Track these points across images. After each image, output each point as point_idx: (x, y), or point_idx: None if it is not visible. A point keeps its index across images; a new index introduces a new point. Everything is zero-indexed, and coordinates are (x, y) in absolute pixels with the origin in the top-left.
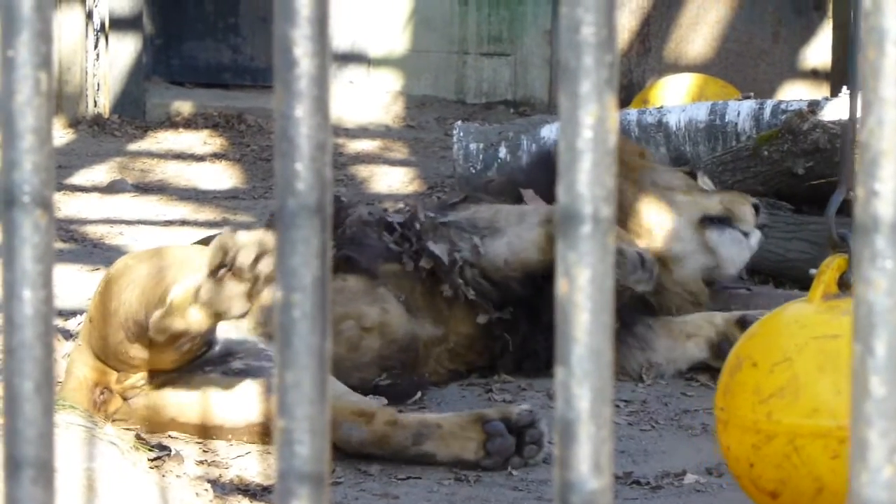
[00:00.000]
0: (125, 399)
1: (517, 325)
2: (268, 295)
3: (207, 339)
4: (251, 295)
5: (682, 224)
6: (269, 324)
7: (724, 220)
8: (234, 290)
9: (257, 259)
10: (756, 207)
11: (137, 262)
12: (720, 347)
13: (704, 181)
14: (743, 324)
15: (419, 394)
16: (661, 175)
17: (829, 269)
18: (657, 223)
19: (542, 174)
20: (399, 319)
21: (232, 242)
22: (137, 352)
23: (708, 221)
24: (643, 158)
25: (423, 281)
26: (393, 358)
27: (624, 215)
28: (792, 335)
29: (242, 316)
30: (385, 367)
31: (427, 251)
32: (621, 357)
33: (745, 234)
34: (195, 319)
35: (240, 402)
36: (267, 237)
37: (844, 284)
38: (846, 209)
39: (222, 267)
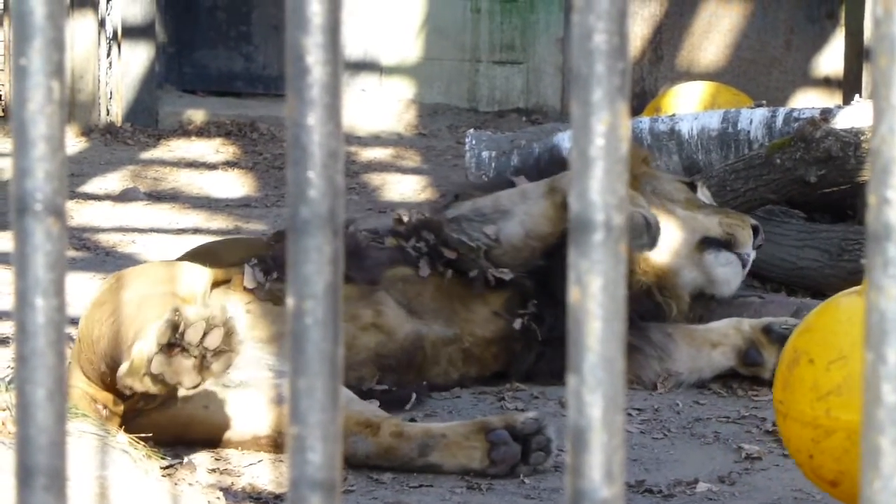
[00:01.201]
0: (126, 419)
1: (542, 318)
2: (218, 367)
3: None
4: (201, 369)
5: (681, 240)
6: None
7: (722, 244)
8: (184, 364)
9: (205, 335)
10: (755, 229)
11: (120, 289)
12: (748, 355)
13: (704, 193)
14: (769, 331)
15: (413, 397)
16: (663, 184)
17: None
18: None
19: (533, 173)
20: (397, 319)
21: (181, 318)
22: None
23: (707, 243)
24: (646, 164)
25: (437, 281)
26: (391, 357)
27: None
28: (846, 332)
29: (195, 387)
30: (383, 367)
31: (449, 241)
32: (637, 366)
33: (742, 258)
34: (149, 386)
35: (245, 416)
36: (215, 312)
37: None
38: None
39: (172, 345)
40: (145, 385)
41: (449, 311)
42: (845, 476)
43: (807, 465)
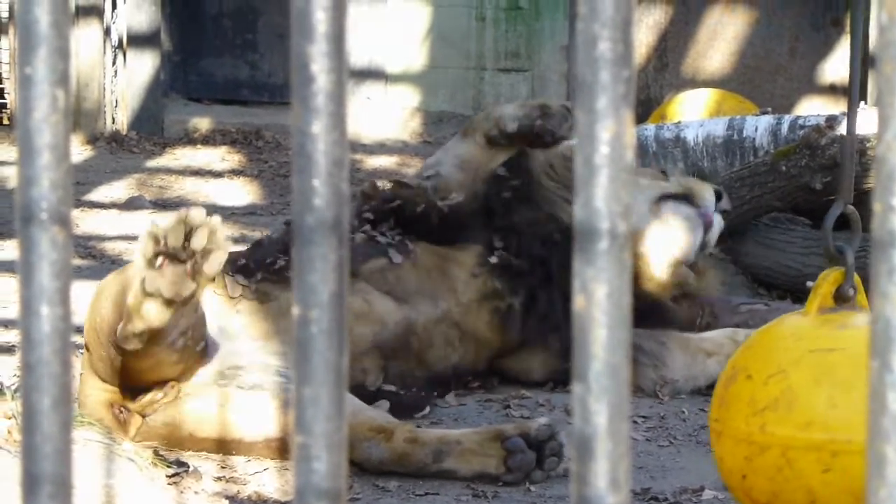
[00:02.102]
0: (144, 416)
1: (510, 247)
2: (209, 267)
3: (198, 332)
4: (194, 273)
5: (639, 200)
6: (278, 340)
7: (679, 197)
8: (176, 272)
9: (188, 237)
10: (718, 193)
11: (114, 277)
12: None
13: (678, 179)
14: None
15: (427, 409)
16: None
17: (825, 283)
18: None
19: None
20: (385, 307)
21: (157, 229)
22: (133, 364)
23: (664, 198)
24: None
25: (411, 262)
26: (390, 344)
27: None
28: (787, 348)
29: (192, 295)
30: (385, 356)
31: (394, 196)
32: (633, 375)
33: (702, 214)
34: (151, 314)
35: (257, 417)
36: (189, 213)
37: (841, 298)
38: (844, 222)
39: (158, 255)
40: (145, 317)
41: (430, 288)
42: (778, 499)
43: (739, 489)
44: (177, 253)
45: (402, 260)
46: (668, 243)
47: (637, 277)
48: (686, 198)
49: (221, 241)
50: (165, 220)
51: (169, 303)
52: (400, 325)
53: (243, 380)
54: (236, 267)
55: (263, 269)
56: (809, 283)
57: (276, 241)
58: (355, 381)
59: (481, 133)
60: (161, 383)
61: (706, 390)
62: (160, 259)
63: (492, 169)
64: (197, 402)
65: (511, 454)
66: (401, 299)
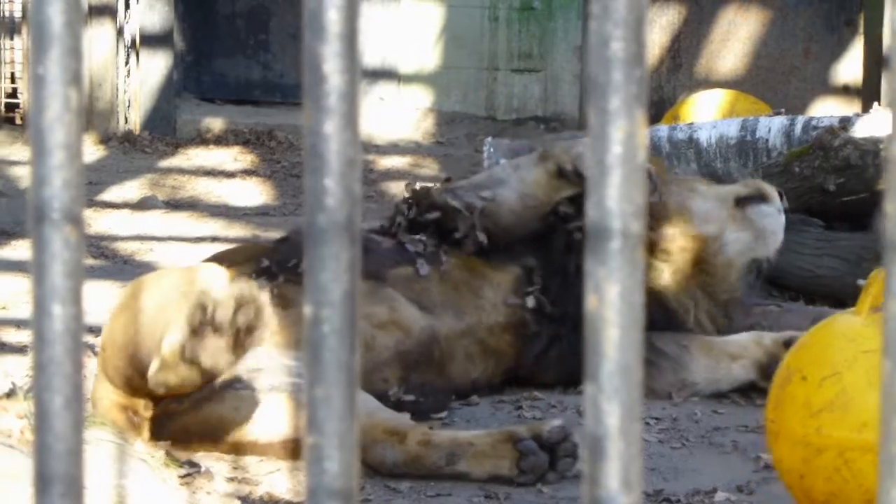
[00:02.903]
0: (158, 420)
1: (548, 290)
2: (251, 343)
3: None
4: (235, 347)
5: (713, 206)
6: (293, 342)
7: (757, 198)
8: (217, 345)
9: (236, 312)
10: (780, 192)
11: (140, 293)
12: (769, 369)
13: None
14: (791, 345)
15: (445, 413)
16: (682, 177)
17: (876, 282)
18: (690, 208)
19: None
20: (411, 315)
21: (209, 299)
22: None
23: (742, 201)
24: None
25: (440, 275)
26: (413, 354)
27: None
28: (841, 349)
29: (229, 366)
30: (408, 366)
31: (436, 203)
32: (649, 378)
33: (780, 210)
34: (186, 376)
35: (272, 419)
36: (244, 288)
37: None
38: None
39: (203, 324)
40: (180, 375)
41: (458, 302)
42: (836, 498)
43: (797, 487)
44: (221, 328)
45: (430, 271)
46: (756, 244)
47: (718, 281)
48: (762, 198)
49: (268, 318)
50: (217, 290)
51: (204, 371)
52: (424, 333)
53: (259, 381)
54: (259, 269)
55: (285, 272)
56: (861, 282)
57: (297, 241)
58: (376, 390)
59: (555, 163)
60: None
61: (732, 394)
62: (204, 328)
63: (555, 201)
64: (212, 404)
65: (524, 456)
66: (426, 308)
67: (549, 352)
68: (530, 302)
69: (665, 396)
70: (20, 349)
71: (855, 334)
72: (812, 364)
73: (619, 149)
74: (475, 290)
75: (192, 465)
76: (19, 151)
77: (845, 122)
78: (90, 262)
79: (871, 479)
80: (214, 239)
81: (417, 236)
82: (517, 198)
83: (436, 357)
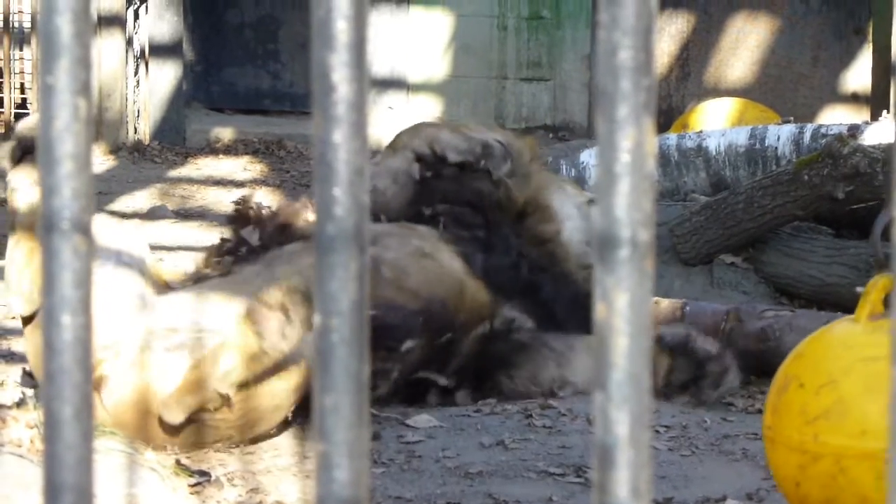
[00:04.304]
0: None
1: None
2: None
3: None
4: None
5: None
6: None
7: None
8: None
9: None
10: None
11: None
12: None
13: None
14: (659, 340)
15: (409, 343)
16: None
17: (875, 289)
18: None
19: None
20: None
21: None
22: None
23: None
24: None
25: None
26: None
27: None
28: (838, 356)
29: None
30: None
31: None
32: (537, 369)
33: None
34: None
35: (173, 375)
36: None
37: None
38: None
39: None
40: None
41: (398, 232)
42: None
43: (793, 495)
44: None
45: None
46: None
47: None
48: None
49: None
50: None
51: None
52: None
53: (169, 342)
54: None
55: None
56: (859, 289)
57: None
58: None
59: (411, 150)
60: None
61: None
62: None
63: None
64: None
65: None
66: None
67: (489, 260)
68: (438, 209)
69: (548, 392)
70: None
71: (853, 342)
72: (809, 371)
73: (627, 157)
74: (406, 224)
75: (203, 474)
76: None
77: (854, 130)
78: None
79: (867, 487)
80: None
81: None
82: (392, 183)
83: (385, 275)
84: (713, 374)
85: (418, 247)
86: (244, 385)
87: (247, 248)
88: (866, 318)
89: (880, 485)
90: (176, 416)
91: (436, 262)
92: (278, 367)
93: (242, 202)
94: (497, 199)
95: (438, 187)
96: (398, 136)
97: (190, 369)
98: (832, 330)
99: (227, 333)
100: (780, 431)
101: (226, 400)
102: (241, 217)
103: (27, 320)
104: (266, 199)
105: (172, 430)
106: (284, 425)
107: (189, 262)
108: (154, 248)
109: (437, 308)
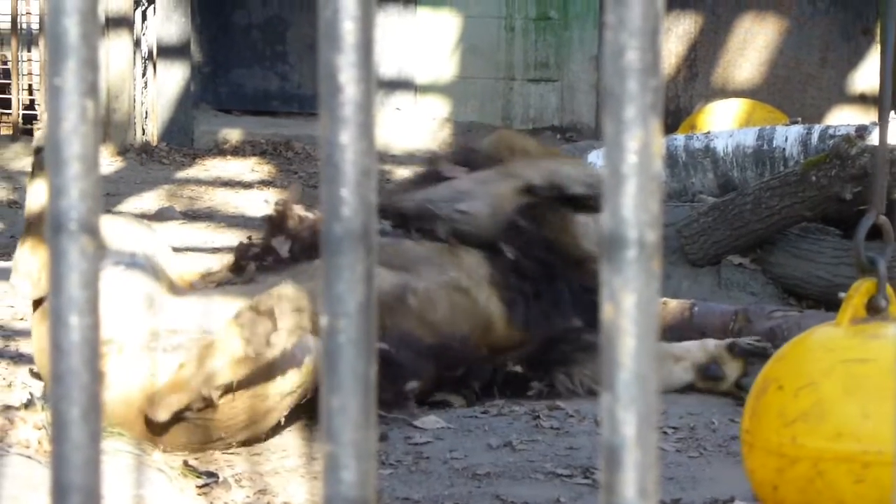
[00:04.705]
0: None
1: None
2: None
3: None
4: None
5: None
6: None
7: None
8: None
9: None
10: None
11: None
12: (708, 369)
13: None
14: (732, 348)
15: (416, 384)
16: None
17: (857, 293)
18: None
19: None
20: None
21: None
22: None
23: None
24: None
25: (414, 243)
26: (381, 301)
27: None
28: (818, 359)
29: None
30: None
31: (422, 213)
32: (573, 370)
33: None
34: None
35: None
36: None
37: (873, 308)
38: (876, 233)
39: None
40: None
41: (438, 259)
42: None
43: (770, 499)
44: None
45: (402, 239)
46: None
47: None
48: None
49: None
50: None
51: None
52: (396, 287)
53: (168, 342)
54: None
55: (270, 255)
56: (841, 294)
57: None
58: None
59: (524, 182)
60: None
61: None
62: None
63: (510, 214)
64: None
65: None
66: (398, 268)
67: (532, 309)
68: (510, 253)
69: (583, 393)
70: None
71: (834, 345)
72: (789, 374)
73: (634, 158)
74: (454, 252)
75: (210, 475)
76: None
77: (862, 131)
78: None
79: (844, 491)
80: (232, 250)
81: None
82: (489, 211)
83: (412, 305)
84: None
85: (454, 279)
86: (230, 388)
87: (273, 258)
88: (848, 322)
89: (857, 488)
90: (161, 414)
91: (469, 299)
92: (266, 372)
93: (282, 207)
94: (565, 244)
95: (525, 227)
96: (514, 165)
97: (177, 369)
98: (813, 334)
99: (216, 336)
100: (759, 435)
101: (209, 401)
102: (276, 224)
103: (36, 304)
104: (303, 209)
105: (158, 428)
106: (278, 429)
107: (211, 263)
108: None
109: (457, 344)
